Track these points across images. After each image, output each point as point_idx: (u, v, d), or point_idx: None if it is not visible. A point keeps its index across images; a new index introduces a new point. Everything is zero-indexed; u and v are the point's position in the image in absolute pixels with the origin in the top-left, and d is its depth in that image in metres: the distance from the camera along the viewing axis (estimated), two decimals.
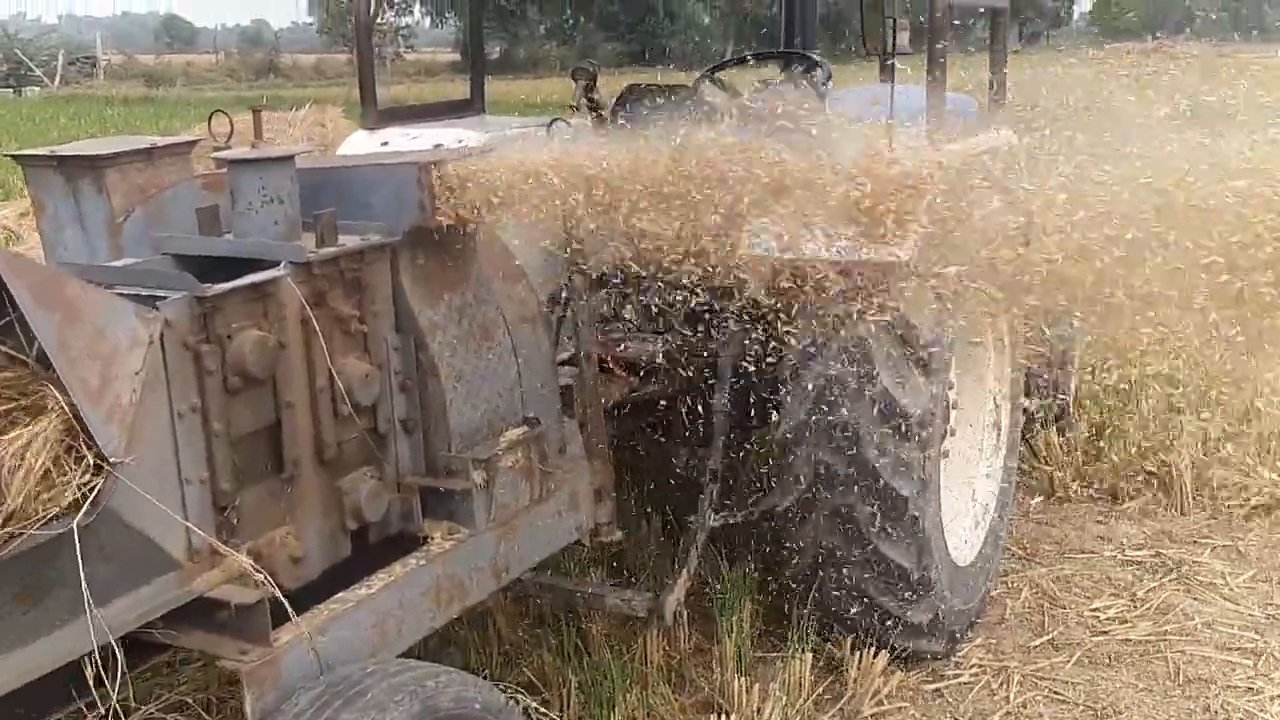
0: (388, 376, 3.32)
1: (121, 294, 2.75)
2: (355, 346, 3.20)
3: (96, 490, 2.45)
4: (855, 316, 4.14)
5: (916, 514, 4.30)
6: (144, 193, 3.68)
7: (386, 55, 44.01)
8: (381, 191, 3.31)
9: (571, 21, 58.43)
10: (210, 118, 3.98)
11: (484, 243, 3.64)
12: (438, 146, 4.91)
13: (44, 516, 2.44)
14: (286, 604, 2.79)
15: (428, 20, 54.14)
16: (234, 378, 2.85)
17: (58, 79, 41.76)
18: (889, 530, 4.32)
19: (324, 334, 3.07)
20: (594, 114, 5.06)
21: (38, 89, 39.41)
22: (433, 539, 3.34)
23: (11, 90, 38.98)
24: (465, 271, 3.55)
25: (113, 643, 2.60)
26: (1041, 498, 6.28)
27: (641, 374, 4.92)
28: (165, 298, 2.76)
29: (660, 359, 4.89)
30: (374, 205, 3.30)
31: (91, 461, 2.48)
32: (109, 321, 2.58)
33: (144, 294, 2.80)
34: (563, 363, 4.31)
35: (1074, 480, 6.35)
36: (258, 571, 2.79)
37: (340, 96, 20.85)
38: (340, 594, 3.03)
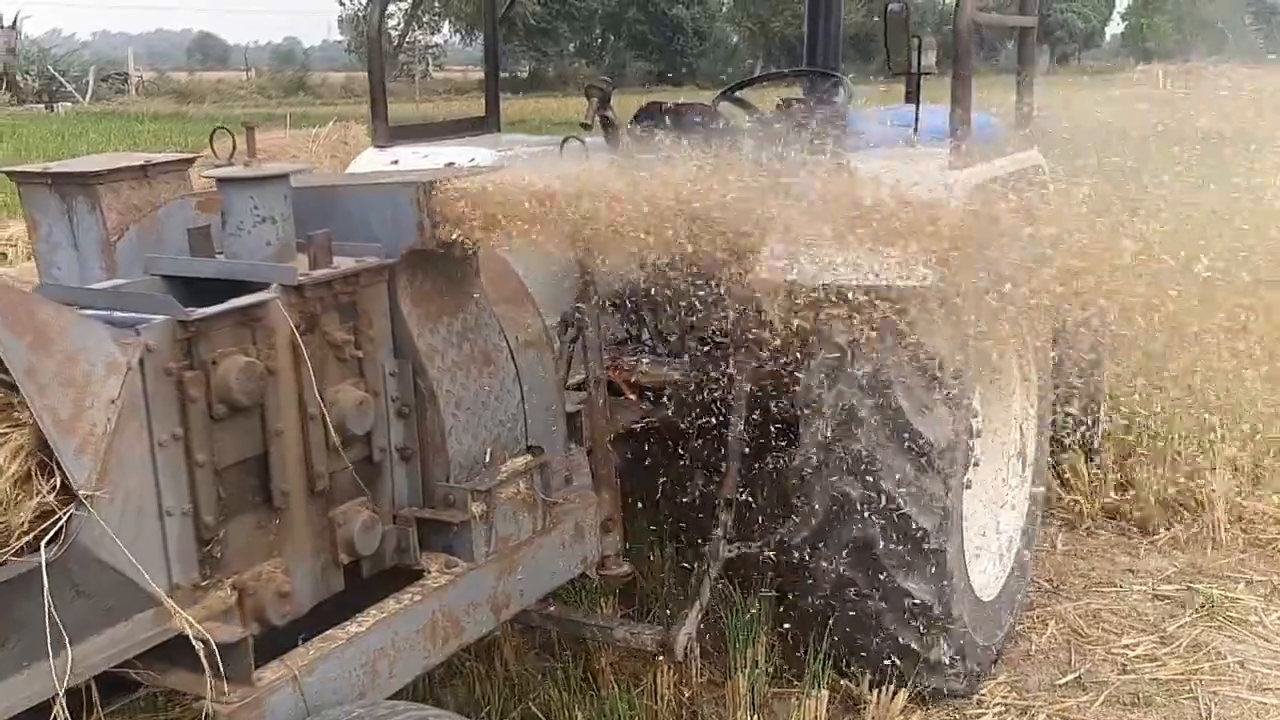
0: (384, 403, 3.20)
1: (101, 318, 2.64)
2: (349, 372, 3.08)
3: (64, 523, 2.32)
4: (875, 342, 4.02)
5: (938, 547, 4.16)
6: (139, 211, 3.58)
7: (416, 73, 44.21)
8: (379, 212, 3.19)
9: (600, 40, 58.66)
10: (212, 135, 3.88)
11: (487, 264, 3.52)
12: (449, 165, 4.82)
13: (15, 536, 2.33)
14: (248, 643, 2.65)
15: (457, 38, 54.46)
16: (219, 405, 2.73)
17: (89, 95, 42.07)
18: (909, 564, 4.18)
19: (316, 359, 2.95)
20: (608, 133, 4.94)
21: (69, 105, 39.66)
22: (429, 572, 3.20)
23: (44, 106, 39.25)
24: (467, 294, 3.43)
25: (86, 683, 2.49)
26: (1069, 528, 6.10)
27: (656, 398, 4.79)
28: (148, 322, 2.64)
29: (675, 383, 4.76)
30: (371, 226, 3.19)
31: (59, 489, 2.36)
32: (84, 347, 2.46)
33: (126, 318, 2.68)
34: (575, 387, 4.18)
35: (1102, 511, 6.17)
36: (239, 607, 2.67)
37: (366, 114, 20.93)
38: (329, 631, 2.90)
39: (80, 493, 2.38)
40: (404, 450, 3.27)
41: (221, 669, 2.66)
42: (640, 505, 5.20)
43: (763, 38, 53.14)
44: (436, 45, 51.70)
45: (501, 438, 3.44)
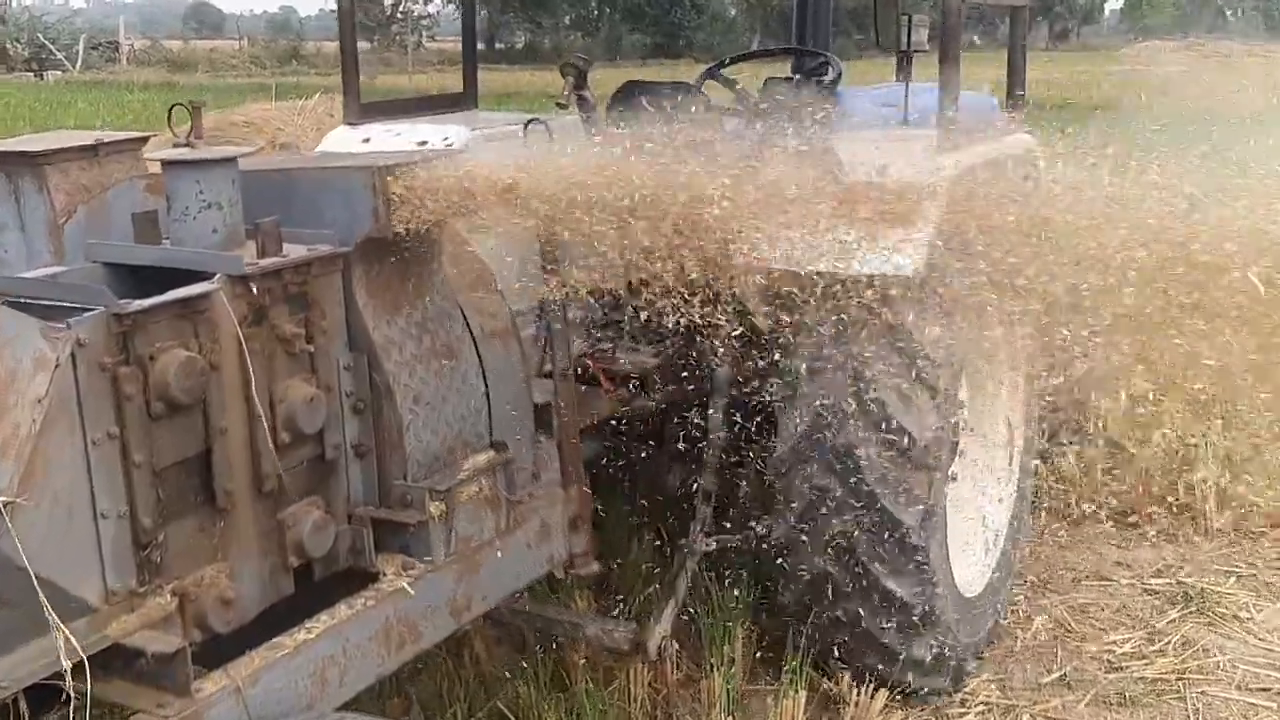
0: (339, 398, 3.05)
1: (30, 310, 2.49)
2: (300, 367, 2.93)
3: None
4: (857, 332, 3.88)
5: (919, 543, 4.04)
6: (89, 192, 3.43)
7: (409, 44, 43.87)
8: (332, 198, 3.04)
9: (597, 12, 58.25)
10: (170, 111, 3.73)
11: (451, 251, 3.37)
12: (422, 144, 4.66)
13: None
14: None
15: (451, 8, 53.98)
16: (157, 403, 2.58)
17: (79, 63, 41.67)
18: (890, 560, 4.05)
19: (264, 354, 2.81)
20: (584, 113, 4.78)
21: (59, 74, 39.28)
22: (385, 575, 3.06)
23: (33, 75, 38.87)
24: (427, 283, 3.28)
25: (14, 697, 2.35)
26: (1058, 519, 5.97)
27: (635, 387, 4.65)
28: (80, 314, 2.49)
29: (653, 371, 4.63)
30: (324, 212, 3.03)
31: None
32: (9, 341, 2.32)
33: (57, 309, 2.54)
34: (550, 375, 4.05)
35: (1092, 502, 6.04)
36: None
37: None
38: (276, 639, 2.77)
39: (2, 498, 2.24)
40: (359, 447, 3.12)
41: (159, 680, 2.54)
42: (619, 496, 5.08)
43: (761, 10, 52.74)
44: (429, 16, 51.25)
45: (463, 433, 3.30)
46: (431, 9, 49.70)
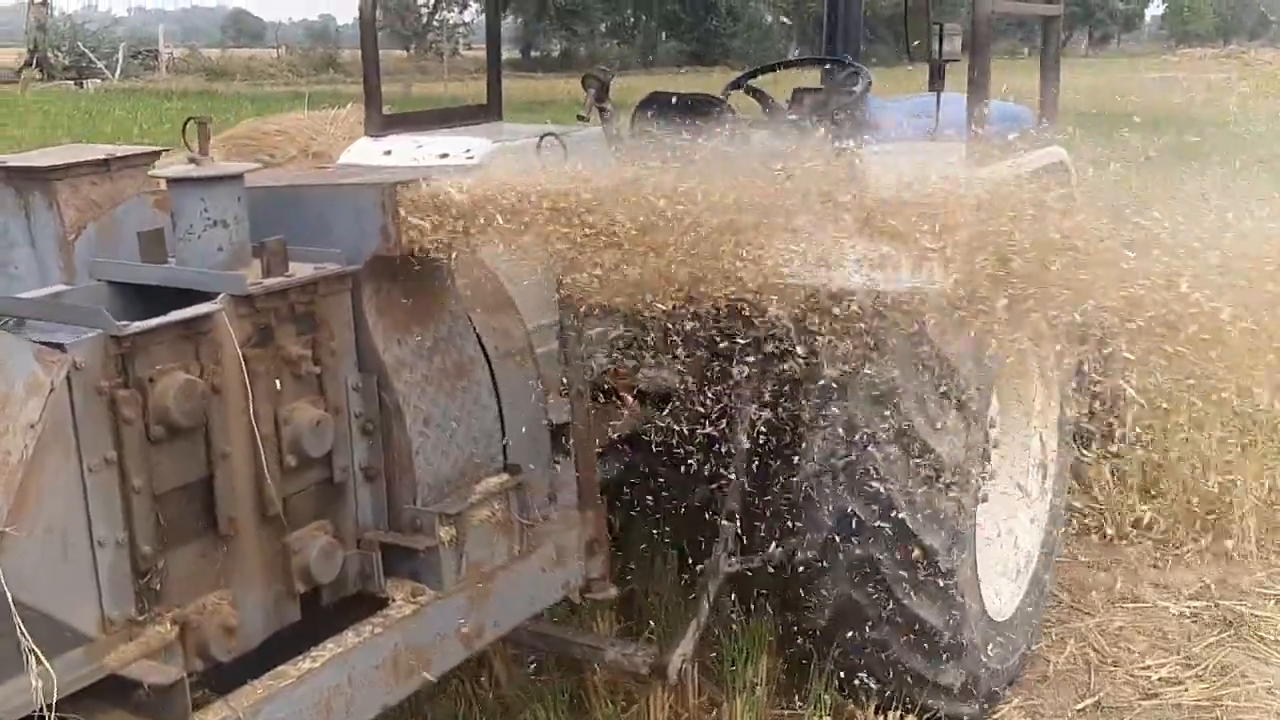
0: (347, 420, 2.98)
1: (26, 332, 2.44)
2: (307, 389, 2.86)
3: None
4: (886, 351, 3.79)
5: (948, 568, 3.94)
6: (99, 208, 3.37)
7: (445, 51, 43.96)
8: (342, 215, 2.97)
9: (633, 20, 58.24)
10: (185, 125, 3.66)
11: (464, 269, 3.30)
12: (444, 156, 4.60)
13: None
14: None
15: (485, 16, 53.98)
16: (157, 427, 2.52)
17: (118, 72, 41.98)
18: (917, 586, 3.95)
19: (269, 375, 2.74)
20: (607, 125, 4.70)
21: (98, 82, 39.59)
22: (394, 601, 2.99)
23: (73, 83, 39.18)
24: (439, 302, 3.20)
25: None
26: (1093, 539, 5.83)
27: (658, 404, 4.56)
28: (77, 336, 2.43)
29: (677, 388, 4.53)
30: (333, 230, 2.96)
31: None
32: (0, 364, 2.26)
33: (55, 331, 2.48)
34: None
35: (1128, 520, 5.90)
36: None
37: (392, 95, 20.55)
38: (280, 667, 2.69)
39: None
40: (369, 470, 3.05)
41: (157, 711, 2.47)
42: (642, 515, 4.98)
43: (797, 18, 52.56)
44: (465, 24, 51.38)
45: (475, 456, 3.22)
46: (467, 17, 49.86)
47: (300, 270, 2.83)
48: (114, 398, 2.45)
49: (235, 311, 2.68)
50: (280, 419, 2.77)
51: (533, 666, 4.50)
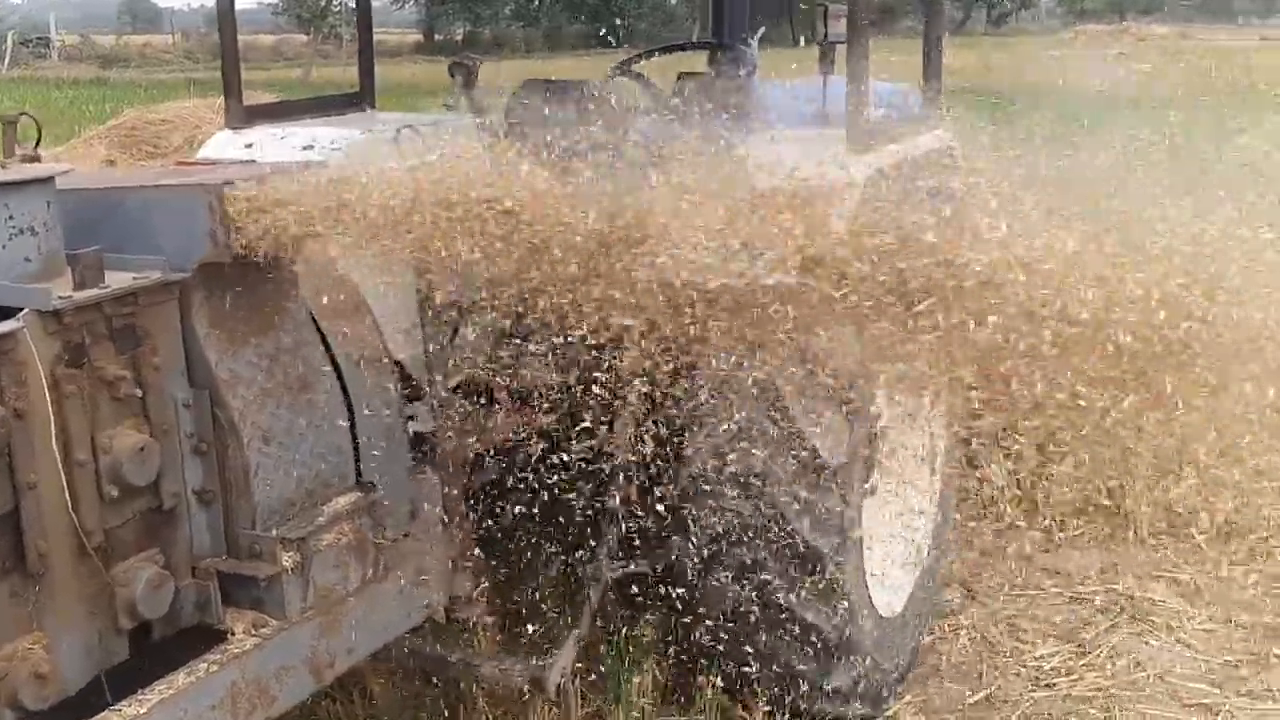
0: (177, 441, 2.77)
1: None
2: (128, 411, 2.64)
3: None
4: (761, 348, 3.65)
5: (834, 569, 3.83)
6: None
7: (345, 35, 43.18)
8: (165, 219, 2.75)
9: (537, 3, 57.70)
10: (3, 126, 3.42)
11: (311, 274, 3.09)
12: (307, 148, 4.38)
13: None
14: None
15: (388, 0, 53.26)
16: None
17: (7, 60, 40.69)
18: (802, 588, 3.83)
19: (84, 397, 2.52)
20: (478, 115, 4.50)
21: None
22: (233, 634, 2.79)
23: None
24: (282, 310, 3.00)
25: None
26: (984, 526, 5.76)
27: (536, 405, 4.39)
28: None
29: (557, 388, 4.36)
30: (157, 235, 2.74)
31: None
32: None
33: None
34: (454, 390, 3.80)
35: (1020, 504, 5.84)
36: None
37: (292, 81, 20.10)
38: (101, 715, 2.49)
39: None
40: (203, 493, 2.84)
41: None
42: (522, 523, 4.81)
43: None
44: None
45: (323, 474, 3.02)
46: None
47: (118, 281, 2.61)
48: None
49: (42, 328, 2.46)
50: (98, 445, 2.56)
51: (408, 682, 4.31)
